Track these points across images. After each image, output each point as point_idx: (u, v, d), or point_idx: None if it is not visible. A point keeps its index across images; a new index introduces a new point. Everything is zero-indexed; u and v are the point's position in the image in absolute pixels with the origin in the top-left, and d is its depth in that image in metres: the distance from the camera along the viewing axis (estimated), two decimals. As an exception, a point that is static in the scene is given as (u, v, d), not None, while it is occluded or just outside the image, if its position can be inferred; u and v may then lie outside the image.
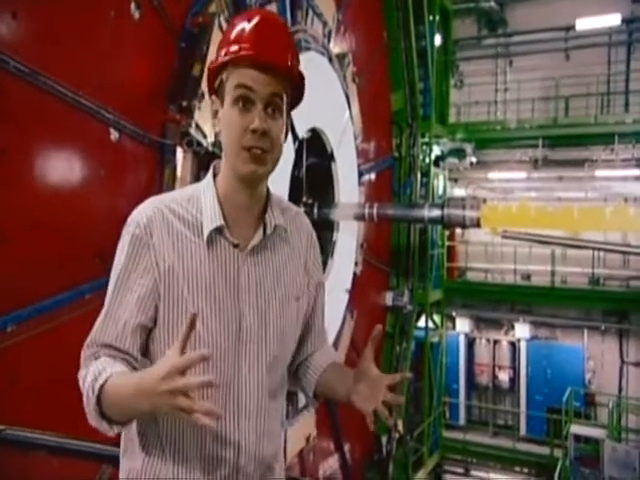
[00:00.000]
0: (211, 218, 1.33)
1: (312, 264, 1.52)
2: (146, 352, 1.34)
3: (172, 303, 1.30)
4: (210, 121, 3.64)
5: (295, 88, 1.38)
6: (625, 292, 13.29)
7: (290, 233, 1.45)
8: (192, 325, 1.12)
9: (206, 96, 3.59)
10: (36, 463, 1.88)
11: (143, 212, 1.34)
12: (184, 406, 1.07)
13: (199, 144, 3.57)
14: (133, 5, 3.22)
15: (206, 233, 1.32)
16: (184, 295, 1.30)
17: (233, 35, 1.32)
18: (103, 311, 1.32)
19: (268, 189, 1.43)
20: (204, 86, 3.60)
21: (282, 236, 1.43)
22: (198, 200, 1.36)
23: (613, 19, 13.28)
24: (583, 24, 13.53)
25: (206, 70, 1.38)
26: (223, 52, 1.32)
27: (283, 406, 1.49)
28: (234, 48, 1.30)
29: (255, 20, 1.33)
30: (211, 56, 3.67)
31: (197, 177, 3.68)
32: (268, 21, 1.35)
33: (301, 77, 1.38)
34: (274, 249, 1.41)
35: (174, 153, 3.57)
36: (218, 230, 1.33)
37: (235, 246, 1.35)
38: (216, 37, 3.75)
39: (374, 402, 1.29)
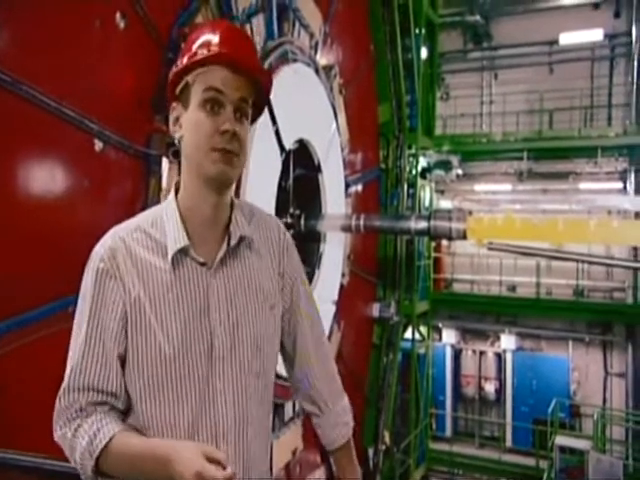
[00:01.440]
0: (175, 239, 1.29)
1: (287, 267, 1.48)
2: None
3: (140, 334, 1.26)
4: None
5: (260, 97, 1.37)
6: (609, 304, 13.43)
7: (259, 241, 1.42)
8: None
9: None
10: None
11: (105, 244, 1.31)
12: None
13: (185, 155, 3.54)
14: (118, 15, 3.19)
15: (170, 255, 1.28)
16: (152, 325, 1.26)
17: (200, 41, 1.31)
18: (77, 352, 1.26)
19: (232, 198, 1.40)
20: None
21: (250, 246, 1.39)
22: (161, 221, 1.32)
23: (595, 34, 13.54)
24: (566, 39, 13.78)
25: (170, 75, 1.34)
26: (188, 56, 1.30)
27: (268, 427, 1.44)
28: (203, 51, 1.28)
29: (221, 28, 1.33)
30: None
31: (183, 188, 3.64)
32: (233, 29, 1.38)
33: (269, 83, 1.38)
34: (242, 260, 1.37)
35: (160, 164, 3.53)
36: (183, 251, 1.29)
37: (202, 264, 1.31)
38: (203, 48, 3.74)
39: None
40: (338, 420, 1.57)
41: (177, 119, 1.34)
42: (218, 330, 1.30)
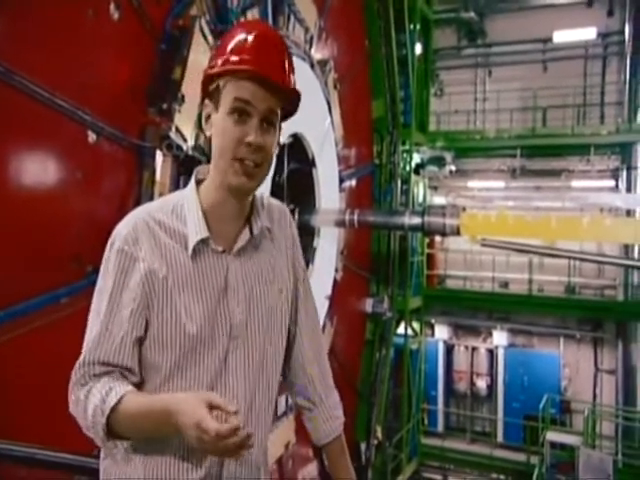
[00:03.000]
0: (195, 230, 1.33)
1: (296, 256, 1.56)
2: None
3: (164, 311, 1.31)
4: (190, 125, 3.62)
5: (290, 103, 1.39)
6: (600, 301, 13.51)
7: (274, 230, 1.49)
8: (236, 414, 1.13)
9: (186, 99, 3.56)
10: (1, 474, 1.81)
11: (128, 225, 1.34)
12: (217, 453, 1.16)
13: (179, 148, 3.53)
14: (112, 5, 3.17)
15: (191, 246, 1.33)
16: (176, 305, 1.31)
17: (233, 44, 1.32)
18: (95, 329, 1.30)
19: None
20: (185, 89, 3.56)
21: (267, 235, 1.46)
22: (182, 210, 1.36)
23: (589, 33, 13.58)
24: (560, 37, 13.81)
25: (203, 73, 1.37)
26: (221, 60, 1.32)
27: (272, 407, 1.49)
28: (234, 58, 1.29)
29: (256, 33, 1.33)
30: (192, 60, 3.64)
31: (176, 181, 3.64)
32: (269, 36, 1.36)
33: (297, 95, 1.40)
34: (259, 248, 1.43)
35: (153, 156, 3.51)
36: (203, 241, 1.34)
37: (222, 252, 1.37)
38: (197, 40, 3.72)
39: None
40: (330, 414, 1.60)
41: (208, 117, 1.37)
42: (236, 310, 1.37)
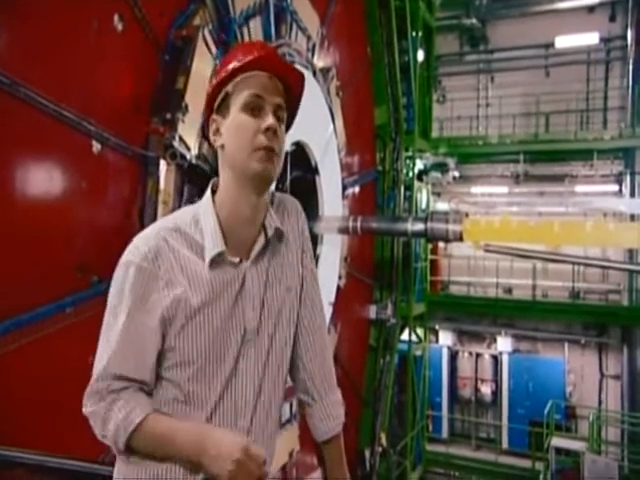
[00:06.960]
0: (212, 243, 1.35)
1: (305, 249, 1.56)
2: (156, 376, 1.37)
3: (185, 328, 1.33)
4: (194, 134, 3.65)
5: (291, 104, 1.44)
6: (604, 306, 13.48)
7: (286, 230, 1.49)
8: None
9: (190, 108, 3.59)
10: (13, 482, 1.84)
11: (149, 243, 1.34)
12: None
13: (183, 157, 3.56)
14: (116, 17, 3.21)
15: (208, 259, 1.34)
16: (196, 319, 1.33)
17: (240, 54, 1.38)
18: (113, 343, 1.31)
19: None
20: (188, 99, 3.59)
21: (280, 238, 1.47)
22: (199, 220, 1.38)
23: (591, 38, 13.61)
24: (562, 42, 13.83)
25: (209, 87, 1.40)
26: (226, 70, 1.37)
27: (277, 408, 1.50)
28: (243, 58, 1.36)
29: (255, 43, 1.47)
30: (195, 70, 3.67)
31: (180, 190, 3.66)
32: (268, 46, 1.48)
33: (300, 92, 1.46)
34: (274, 251, 1.45)
35: (157, 165, 3.54)
36: (220, 254, 1.36)
37: (238, 262, 1.38)
38: (200, 50, 3.75)
39: None
40: (329, 412, 1.58)
41: (217, 130, 1.39)
42: (251, 315, 1.38)
